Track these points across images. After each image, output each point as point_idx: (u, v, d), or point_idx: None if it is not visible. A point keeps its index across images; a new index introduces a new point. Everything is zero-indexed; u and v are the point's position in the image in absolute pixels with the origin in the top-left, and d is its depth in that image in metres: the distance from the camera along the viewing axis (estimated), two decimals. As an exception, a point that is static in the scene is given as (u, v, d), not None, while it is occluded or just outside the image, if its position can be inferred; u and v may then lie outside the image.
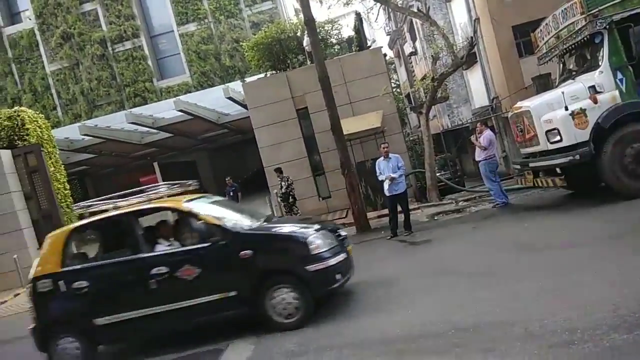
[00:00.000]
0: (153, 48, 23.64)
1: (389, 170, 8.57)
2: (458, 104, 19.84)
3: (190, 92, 21.64)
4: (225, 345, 5.01)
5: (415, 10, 13.27)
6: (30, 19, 23.33)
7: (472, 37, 13.26)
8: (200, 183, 29.68)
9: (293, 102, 13.20)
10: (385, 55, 13.92)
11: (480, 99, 17.57)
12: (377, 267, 6.98)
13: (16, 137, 14.10)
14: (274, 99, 13.15)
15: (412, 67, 25.78)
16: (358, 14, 15.04)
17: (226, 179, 15.57)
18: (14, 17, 24.03)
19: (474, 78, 17.89)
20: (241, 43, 18.90)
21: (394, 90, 14.48)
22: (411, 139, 16.31)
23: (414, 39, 23.38)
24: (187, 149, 25.59)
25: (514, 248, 6.24)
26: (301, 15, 20.76)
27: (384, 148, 8.88)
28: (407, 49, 24.68)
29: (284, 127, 13.15)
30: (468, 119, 18.43)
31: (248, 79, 16.17)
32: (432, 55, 12.95)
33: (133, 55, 23.09)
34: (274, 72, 14.63)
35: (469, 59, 13.49)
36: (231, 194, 14.77)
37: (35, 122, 14.88)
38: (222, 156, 30.32)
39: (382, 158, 8.76)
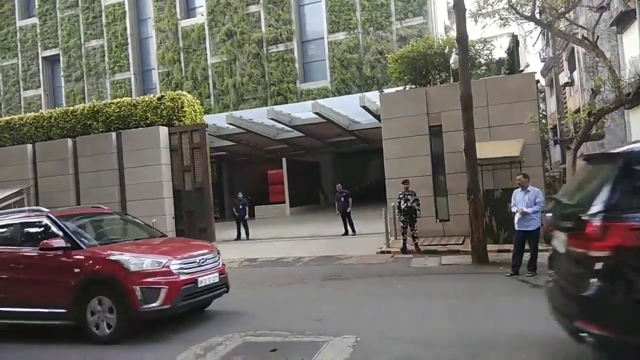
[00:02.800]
0: (302, 52, 24.97)
1: (524, 203, 7.96)
2: (612, 145, 17.72)
3: (327, 96, 22.45)
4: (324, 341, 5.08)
5: (580, 37, 12.16)
6: (202, 15, 26.16)
7: (643, 74, 11.76)
8: (320, 184, 30.79)
9: (427, 118, 12.94)
10: (537, 82, 12.97)
11: (641, 143, 15.48)
12: (490, 303, 6.51)
13: (174, 117, 15.91)
14: (408, 113, 13.03)
15: (565, 98, 23.70)
16: (514, 36, 14.26)
17: (336, 186, 15.89)
18: (189, 11, 27.16)
19: (637, 119, 15.84)
20: (385, 55, 19.10)
21: (541, 120, 13.42)
22: (550, 174, 14.96)
23: (572, 69, 21.47)
24: (314, 149, 26.59)
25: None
26: (450, 33, 20.38)
27: (518, 179, 8.31)
28: (563, 78, 22.74)
29: (413, 142, 12.96)
30: (623, 164, 16.37)
31: (386, 90, 16.25)
32: (592, 88, 11.74)
33: (283, 57, 24.63)
34: (413, 86, 14.50)
35: (635, 97, 11.98)
36: (342, 199, 14.97)
37: (192, 107, 16.66)
38: (345, 162, 30.96)
39: (519, 189, 8.18)
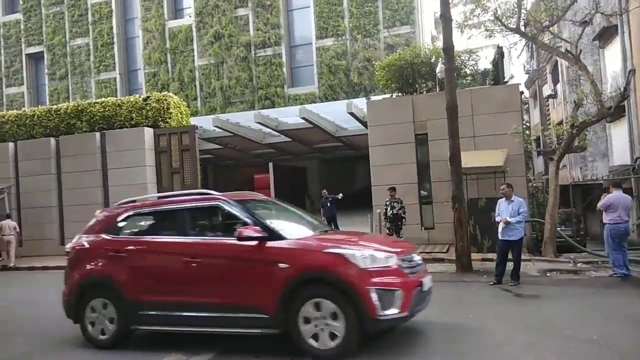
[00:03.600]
0: (290, 57, 25.00)
1: (507, 213, 8.08)
2: (594, 157, 18.07)
3: (315, 102, 22.47)
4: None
5: (564, 51, 12.42)
6: (190, 16, 26.03)
7: (624, 89, 12.05)
8: (306, 189, 30.81)
9: (414, 126, 13.07)
10: (521, 93, 13.19)
11: (621, 156, 15.84)
12: (473, 311, 6.58)
13: (160, 119, 15.75)
14: (395, 120, 13.14)
15: (548, 110, 24.12)
16: (499, 48, 14.50)
17: (322, 192, 15.99)
18: (177, 12, 27.00)
19: (618, 133, 16.19)
20: (372, 62, 19.22)
21: (524, 131, 13.66)
22: (533, 185, 15.19)
23: (555, 82, 21.88)
24: (300, 155, 26.58)
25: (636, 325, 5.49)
26: (437, 42, 20.61)
27: (502, 189, 8.44)
28: (546, 90, 23.15)
29: (399, 150, 13.06)
30: (603, 175, 16.69)
31: (373, 98, 16.35)
32: (574, 101, 11.97)
33: (271, 62, 24.63)
34: (399, 94, 14.64)
35: (616, 111, 12.26)
36: (327, 205, 15.06)
37: (178, 108, 16.52)
38: (332, 168, 30.99)
39: (504, 199, 8.30)
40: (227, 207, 5.33)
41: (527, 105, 27.38)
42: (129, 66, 27.85)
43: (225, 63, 25.12)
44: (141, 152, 15.26)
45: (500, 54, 14.68)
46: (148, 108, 15.71)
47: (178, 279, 5.19)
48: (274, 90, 24.36)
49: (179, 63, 25.94)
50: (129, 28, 27.85)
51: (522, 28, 11.76)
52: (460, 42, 13.36)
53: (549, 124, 21.17)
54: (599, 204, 8.44)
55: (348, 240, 5.20)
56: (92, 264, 5.62)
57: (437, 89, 13.75)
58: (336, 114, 18.80)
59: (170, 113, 15.92)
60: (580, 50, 11.43)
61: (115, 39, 27.34)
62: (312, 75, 24.24)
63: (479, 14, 11.64)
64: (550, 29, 12.09)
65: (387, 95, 15.09)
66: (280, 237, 4.93)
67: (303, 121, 18.46)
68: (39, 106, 18.14)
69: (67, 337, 5.94)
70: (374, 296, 4.47)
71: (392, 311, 4.52)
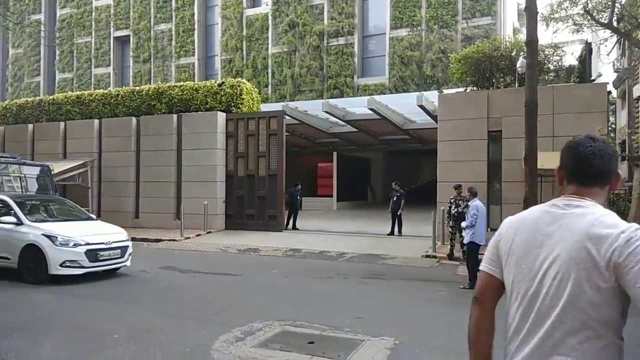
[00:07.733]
0: (362, 47, 24.81)
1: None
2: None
3: (384, 93, 22.20)
4: (362, 340, 5.07)
5: (662, 48, 11.37)
6: (267, 5, 26.51)
7: None
8: (370, 181, 30.58)
9: (487, 122, 12.54)
10: (609, 93, 12.25)
11: None
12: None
13: (232, 104, 16.25)
14: (467, 115, 12.68)
15: (637, 112, 22.23)
16: (588, 44, 13.54)
17: (393, 183, 15.36)
18: (255, 1, 27.60)
19: None
20: (448, 54, 18.63)
21: (609, 133, 12.70)
22: (615, 192, 14.09)
23: (648, 82, 20.07)
24: (365, 146, 26.43)
25: None
26: (519, 35, 19.59)
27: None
28: (637, 91, 21.33)
29: (470, 146, 12.61)
30: (698, 187, 15.16)
31: (446, 91, 15.87)
32: (670, 103, 10.96)
33: (343, 51, 24.58)
34: (474, 88, 14.09)
35: None
36: (394, 199, 14.50)
37: (250, 95, 16.95)
38: (397, 160, 30.58)
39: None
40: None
41: (613, 106, 25.41)
42: (206, 52, 28.92)
43: (297, 51, 25.39)
44: (213, 135, 15.86)
45: (588, 50, 13.70)
46: (222, 93, 16.26)
47: None
48: (344, 79, 24.33)
49: (253, 50, 26.56)
50: (209, 15, 28.87)
51: (615, 23, 10.91)
52: (544, 36, 12.62)
53: (638, 127, 19.55)
54: None
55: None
56: None
57: (516, 85, 13.10)
58: (405, 106, 18.46)
59: (243, 99, 16.37)
60: (682, 48, 10.41)
61: (195, 26, 28.46)
62: (383, 66, 23.93)
63: (567, 7, 10.95)
64: (648, 24, 11.09)
65: (461, 89, 14.59)
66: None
67: (371, 112, 18.30)
68: (123, 87, 19.33)
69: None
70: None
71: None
